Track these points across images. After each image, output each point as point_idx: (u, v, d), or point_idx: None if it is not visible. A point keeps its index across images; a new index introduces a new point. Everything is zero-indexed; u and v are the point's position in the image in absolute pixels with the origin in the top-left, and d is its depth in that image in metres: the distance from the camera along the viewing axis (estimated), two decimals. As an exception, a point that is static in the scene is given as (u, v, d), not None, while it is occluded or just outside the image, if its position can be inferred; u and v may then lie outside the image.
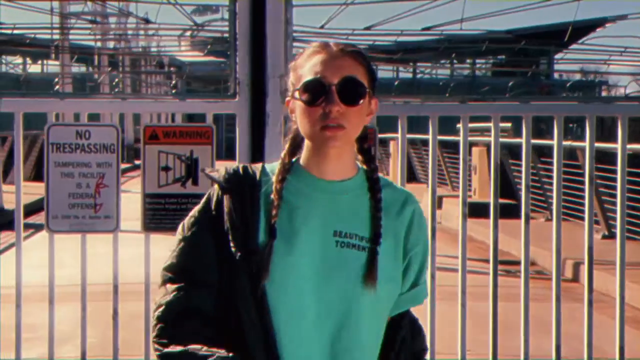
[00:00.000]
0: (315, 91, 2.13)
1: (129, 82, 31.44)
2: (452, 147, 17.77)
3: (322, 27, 4.38)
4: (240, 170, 2.23)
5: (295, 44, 4.34)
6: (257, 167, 2.26)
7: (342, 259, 2.14)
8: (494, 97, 4.46)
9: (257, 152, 4.27)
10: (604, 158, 11.82)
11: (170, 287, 2.16)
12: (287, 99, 2.25)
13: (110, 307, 4.36)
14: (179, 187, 4.27)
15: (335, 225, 2.16)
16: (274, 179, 2.20)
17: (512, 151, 16.16)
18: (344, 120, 2.13)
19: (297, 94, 2.17)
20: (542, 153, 15.16)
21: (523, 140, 4.45)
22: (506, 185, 14.82)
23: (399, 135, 4.41)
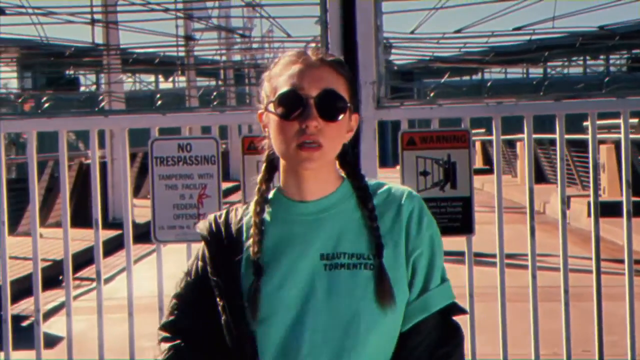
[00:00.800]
0: (291, 104, 1.96)
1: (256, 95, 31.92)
2: (580, 145, 17.44)
3: (412, 32, 4.42)
4: (222, 216, 2.11)
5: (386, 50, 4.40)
6: (240, 208, 2.14)
7: (332, 282, 1.96)
8: (590, 94, 4.40)
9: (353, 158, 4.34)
10: None
11: (164, 345, 2.11)
12: (260, 111, 2.08)
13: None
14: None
15: (321, 247, 2.00)
16: (251, 210, 2.07)
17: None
18: (322, 137, 1.96)
19: (271, 107, 2.00)
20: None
21: (622, 136, 4.39)
22: (638, 183, 14.45)
23: (493, 136, 4.41)
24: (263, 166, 2.12)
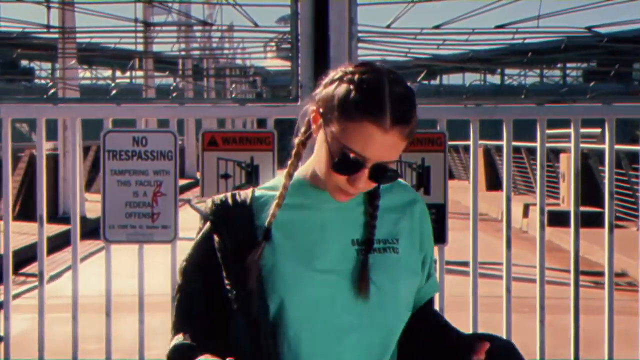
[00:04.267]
0: (350, 166, 1.92)
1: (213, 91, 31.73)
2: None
3: (388, 26, 4.14)
4: (230, 200, 2.03)
5: (360, 44, 4.12)
6: (246, 193, 2.05)
7: (373, 264, 2.00)
8: (574, 99, 4.16)
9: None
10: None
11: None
12: (312, 113, 1.99)
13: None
14: (240, 195, 4.09)
15: (351, 233, 2.02)
16: (274, 203, 2.01)
17: (602, 157, 15.71)
18: (365, 188, 1.97)
19: (332, 145, 1.92)
20: (634, 159, 14.65)
21: (606, 145, 4.15)
22: (596, 193, 14.40)
23: (470, 141, 4.15)
24: (292, 162, 2.04)
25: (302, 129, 2.05)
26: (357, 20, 4.11)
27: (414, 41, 4.12)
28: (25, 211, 12.93)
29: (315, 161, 2.01)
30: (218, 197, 2.04)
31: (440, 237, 4.10)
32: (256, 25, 4.00)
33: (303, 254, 1.97)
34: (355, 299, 1.96)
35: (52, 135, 17.06)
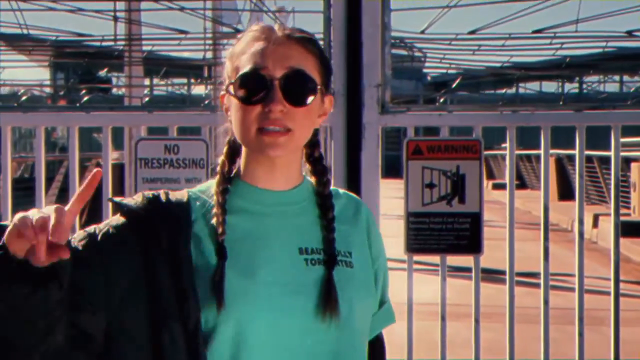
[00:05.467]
0: (253, 86, 1.73)
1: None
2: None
3: (422, 32, 4.06)
4: (163, 197, 1.81)
5: (393, 50, 4.05)
6: (182, 193, 1.84)
7: (317, 277, 1.76)
8: (614, 105, 4.03)
9: (353, 167, 4.01)
10: None
11: None
12: (222, 93, 1.83)
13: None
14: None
15: (298, 241, 1.79)
16: (213, 190, 1.82)
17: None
18: (289, 121, 1.73)
19: (232, 89, 1.76)
20: None
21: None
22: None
23: (507, 149, 4.05)
24: (225, 149, 1.88)
25: (227, 127, 1.87)
26: (390, 26, 4.05)
27: (448, 47, 4.03)
28: (92, 219, 13.05)
29: (243, 151, 1.84)
30: (146, 194, 1.82)
31: (475, 246, 4.01)
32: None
33: (246, 265, 1.73)
34: (302, 316, 1.72)
35: (119, 144, 17.26)
